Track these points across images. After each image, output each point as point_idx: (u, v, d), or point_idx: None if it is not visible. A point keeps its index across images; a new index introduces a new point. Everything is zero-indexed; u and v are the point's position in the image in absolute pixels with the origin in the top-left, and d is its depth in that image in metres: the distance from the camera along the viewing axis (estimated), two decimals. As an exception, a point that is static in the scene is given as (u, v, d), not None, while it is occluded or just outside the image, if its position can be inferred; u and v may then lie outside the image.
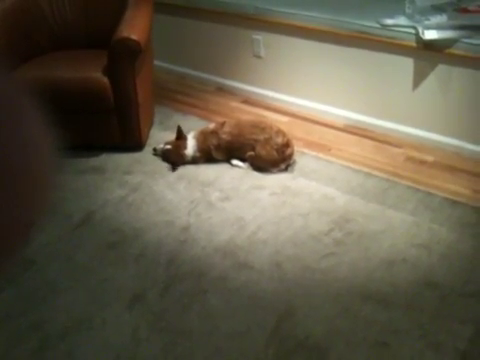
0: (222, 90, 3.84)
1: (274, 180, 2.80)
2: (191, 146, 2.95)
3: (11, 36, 2.99)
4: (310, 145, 3.11)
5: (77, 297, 2.10)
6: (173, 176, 2.89)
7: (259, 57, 3.63)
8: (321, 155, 3.01)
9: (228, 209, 2.60)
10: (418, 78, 2.99)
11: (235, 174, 2.88)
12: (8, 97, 0.44)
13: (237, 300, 2.06)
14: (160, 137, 3.21)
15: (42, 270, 2.23)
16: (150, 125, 3.32)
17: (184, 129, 3.00)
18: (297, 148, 3.07)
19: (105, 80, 2.83)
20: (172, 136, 3.04)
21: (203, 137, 2.97)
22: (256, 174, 2.86)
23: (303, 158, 2.98)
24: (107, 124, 2.99)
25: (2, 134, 0.40)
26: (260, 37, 3.55)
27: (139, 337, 1.92)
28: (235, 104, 3.66)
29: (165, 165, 2.99)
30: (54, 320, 2.00)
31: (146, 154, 3.10)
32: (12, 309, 2.06)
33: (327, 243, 2.32)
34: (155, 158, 3.05)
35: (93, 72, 2.87)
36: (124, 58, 2.77)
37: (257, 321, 1.96)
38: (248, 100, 3.69)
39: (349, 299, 2.04)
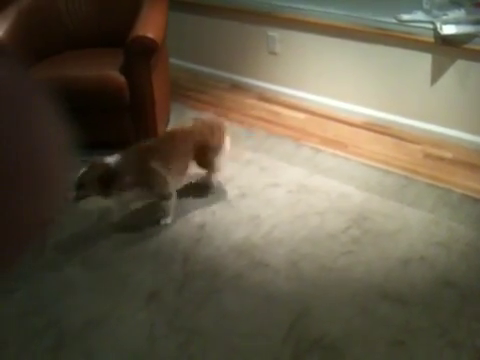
0: (237, 87, 3.83)
1: (290, 178, 2.78)
2: None
3: (27, 35, 3.01)
4: (326, 142, 3.08)
5: (93, 294, 2.11)
6: (189, 173, 2.88)
7: (274, 54, 3.61)
8: (338, 152, 2.98)
9: (244, 207, 2.59)
10: (436, 74, 2.95)
11: (251, 172, 2.86)
12: (21, 96, 0.43)
13: (253, 299, 2.05)
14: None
15: (59, 267, 2.25)
16: (166, 122, 3.32)
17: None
18: (313, 145, 3.05)
19: (121, 78, 2.83)
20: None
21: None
22: (272, 172, 2.85)
23: (319, 155, 2.95)
24: (123, 122, 3.00)
25: (15, 133, 0.40)
26: (275, 34, 3.53)
27: (155, 335, 1.92)
28: (250, 101, 3.65)
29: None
30: (70, 317, 2.01)
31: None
32: (29, 306, 2.07)
33: (344, 242, 2.30)
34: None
35: (109, 70, 2.87)
36: (140, 56, 2.77)
37: (273, 320, 1.95)
38: (263, 97, 3.68)
39: (366, 298, 2.02)
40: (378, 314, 1.96)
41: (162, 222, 2.49)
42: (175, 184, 2.48)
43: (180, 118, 3.42)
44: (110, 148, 3.05)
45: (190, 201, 2.66)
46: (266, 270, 2.18)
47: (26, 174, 0.40)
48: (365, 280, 2.10)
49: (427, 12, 2.92)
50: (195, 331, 1.93)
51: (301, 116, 3.40)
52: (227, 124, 3.33)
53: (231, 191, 2.71)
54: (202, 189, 2.73)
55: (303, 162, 2.91)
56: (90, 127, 3.04)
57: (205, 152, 2.53)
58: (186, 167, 2.52)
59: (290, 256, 2.24)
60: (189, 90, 3.83)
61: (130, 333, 1.93)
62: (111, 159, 2.28)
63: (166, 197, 2.44)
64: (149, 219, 2.53)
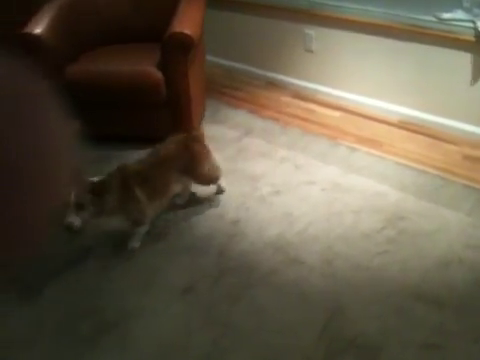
0: (272, 84, 3.83)
1: (325, 176, 2.78)
2: None
3: (66, 31, 3.07)
4: (362, 141, 3.06)
5: (129, 286, 2.15)
6: (223, 169, 2.90)
7: (311, 51, 3.60)
8: (373, 151, 2.96)
9: (278, 204, 2.60)
10: (476, 73, 2.89)
11: (285, 169, 2.87)
12: (22, 94, 0.43)
13: (286, 296, 2.06)
14: (210, 130, 3.24)
15: (97, 257, 2.30)
16: (201, 118, 3.35)
17: (233, 123, 2.99)
18: (348, 144, 3.04)
19: (158, 74, 2.87)
20: (222, 130, 3.04)
21: None
22: (307, 170, 2.85)
23: (354, 154, 2.94)
24: (158, 117, 3.04)
25: (16, 131, 0.40)
26: (312, 31, 3.52)
27: (190, 328, 1.95)
28: (285, 98, 3.65)
29: (216, 158, 3.00)
30: (107, 307, 2.06)
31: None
32: (67, 294, 2.13)
33: (379, 241, 2.29)
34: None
35: (146, 66, 2.92)
36: (177, 52, 2.80)
37: (307, 318, 1.96)
38: (299, 95, 3.67)
39: (401, 299, 2.01)
40: (413, 315, 1.94)
41: (130, 246, 2.33)
42: (155, 211, 2.35)
43: (215, 114, 3.45)
44: (145, 143, 3.10)
45: (224, 197, 2.68)
46: (300, 267, 2.18)
47: (28, 172, 0.40)
48: (400, 280, 2.09)
49: (467, 10, 2.86)
50: (229, 326, 1.95)
51: (336, 114, 3.39)
52: (261, 121, 3.36)
53: (265, 188, 2.72)
54: (236, 185, 2.75)
55: (338, 160, 2.90)
56: (126, 122, 3.10)
57: (191, 169, 2.41)
58: (169, 192, 2.38)
59: (325, 254, 2.24)
60: (224, 87, 3.85)
61: (165, 325, 1.97)
62: (96, 179, 2.09)
63: (140, 224, 2.31)
64: (184, 214, 2.56)
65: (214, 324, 1.96)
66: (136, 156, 2.90)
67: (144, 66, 2.92)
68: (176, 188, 2.42)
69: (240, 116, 3.43)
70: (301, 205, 2.58)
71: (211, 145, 3.13)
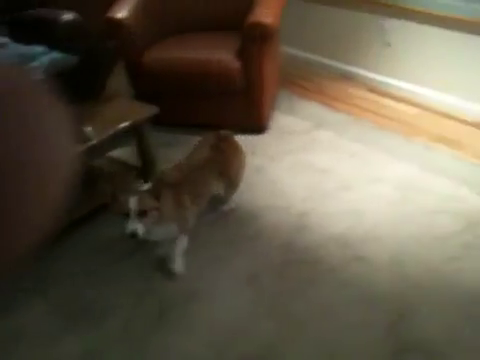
0: (347, 77, 3.75)
1: (397, 173, 2.69)
2: None
3: (146, 18, 3.12)
4: (439, 140, 2.94)
5: (194, 271, 2.18)
6: (291, 161, 2.88)
7: (388, 45, 3.48)
8: (450, 151, 2.83)
9: (346, 199, 2.55)
10: None
11: (355, 164, 2.81)
12: (22, 91, 0.42)
13: (351, 293, 2.02)
14: (281, 121, 3.22)
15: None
16: (273, 109, 3.33)
17: (304, 114, 2.95)
18: (424, 141, 2.93)
19: (235, 62, 2.87)
20: (293, 121, 3.01)
21: None
22: (378, 166, 2.77)
23: (430, 153, 2.83)
24: (232, 105, 3.05)
25: (13, 128, 0.39)
26: (390, 24, 3.40)
27: (254, 316, 1.96)
28: (359, 92, 3.56)
29: (285, 150, 2.99)
30: (173, 289, 2.10)
31: (267, 137, 3.12)
32: (133, 274, 2.19)
33: (454, 246, 2.19)
34: (276, 141, 3.06)
35: (224, 54, 2.92)
36: (256, 41, 2.79)
37: (372, 316, 1.91)
38: (374, 89, 3.57)
39: (474, 307, 1.92)
40: (485, 325, 1.85)
41: (175, 270, 2.15)
42: (195, 216, 2.22)
43: (287, 105, 3.42)
44: (218, 130, 3.12)
45: (290, 189, 2.66)
46: (367, 266, 2.13)
47: (26, 169, 0.39)
48: (474, 287, 1.99)
49: None
50: (292, 317, 1.94)
51: (412, 111, 3.26)
52: (333, 114, 3.30)
53: (333, 182, 2.68)
54: (303, 178, 2.72)
55: (412, 158, 2.80)
56: (199, 109, 3.13)
57: (224, 170, 2.34)
58: (208, 196, 2.29)
59: (394, 254, 2.18)
60: (297, 77, 3.81)
61: (229, 311, 1.99)
62: (146, 187, 2.02)
63: (185, 231, 2.15)
64: (249, 204, 2.56)
65: (278, 314, 1.96)
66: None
67: (222, 54, 2.93)
68: (213, 190, 2.35)
69: (312, 108, 3.38)
70: (370, 202, 2.51)
71: (280, 136, 3.13)
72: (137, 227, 1.82)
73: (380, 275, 2.09)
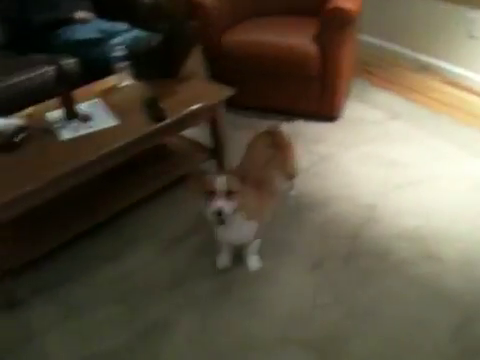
0: (425, 69, 3.63)
1: (474, 170, 2.60)
2: None
3: (225, 1, 3.13)
4: (522, 139, 2.81)
5: (260, 251, 2.20)
6: (362, 152, 2.84)
7: (473, 37, 3.33)
8: None
9: (418, 194, 2.49)
10: None
11: (429, 157, 2.73)
12: None
13: (418, 289, 1.98)
14: (355, 110, 3.17)
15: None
16: (346, 97, 3.28)
17: (379, 104, 2.87)
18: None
19: (312, 47, 2.85)
20: (367, 111, 2.95)
21: None
22: (453, 162, 2.68)
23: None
24: (306, 91, 3.03)
25: None
26: (477, 15, 3.25)
27: (316, 303, 1.96)
28: (437, 85, 3.44)
29: (357, 139, 2.95)
30: (237, 269, 2.15)
31: (338, 125, 3.09)
32: (198, 250, 2.26)
33: None
34: (348, 130, 3.02)
35: (302, 39, 2.90)
36: (336, 27, 2.75)
37: (440, 315, 1.87)
38: (453, 82, 3.44)
39: None
40: None
41: (253, 267, 2.16)
42: (271, 212, 2.16)
43: (361, 94, 3.36)
44: (292, 115, 3.12)
45: (360, 181, 2.62)
46: (437, 264, 2.08)
47: None
48: None
49: None
50: (356, 308, 1.93)
51: (494, 107, 3.13)
52: (408, 105, 3.21)
53: (406, 177, 2.62)
54: (374, 169, 2.68)
55: (491, 156, 2.69)
56: (274, 94, 3.13)
57: (281, 163, 2.27)
58: (277, 191, 2.21)
59: (466, 255, 2.11)
60: (373, 66, 3.72)
61: (292, 296, 2.00)
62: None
63: (261, 233, 2.10)
64: (320, 193, 2.55)
65: (341, 304, 1.95)
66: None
67: (299, 39, 2.91)
68: (281, 187, 2.31)
69: (387, 98, 3.31)
70: (443, 198, 2.44)
71: (352, 125, 3.08)
72: (224, 205, 1.80)
73: (451, 275, 2.03)
